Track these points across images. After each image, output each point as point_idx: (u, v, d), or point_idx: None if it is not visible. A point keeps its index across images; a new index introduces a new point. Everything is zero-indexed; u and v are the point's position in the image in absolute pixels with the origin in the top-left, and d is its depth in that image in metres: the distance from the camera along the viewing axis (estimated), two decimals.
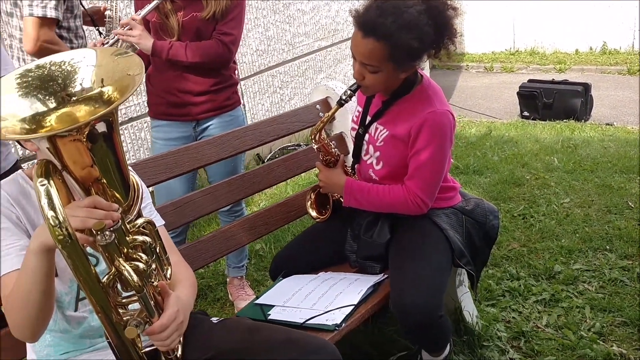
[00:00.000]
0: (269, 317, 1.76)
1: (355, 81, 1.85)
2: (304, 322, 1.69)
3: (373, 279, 1.91)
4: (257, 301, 1.88)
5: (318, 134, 1.99)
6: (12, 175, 1.41)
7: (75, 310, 1.39)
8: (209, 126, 2.46)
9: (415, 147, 1.82)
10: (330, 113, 1.95)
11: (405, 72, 1.81)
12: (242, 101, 2.64)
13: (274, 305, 1.83)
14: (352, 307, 1.76)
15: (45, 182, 1.01)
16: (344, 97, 1.88)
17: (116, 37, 2.31)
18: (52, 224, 0.99)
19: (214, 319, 1.57)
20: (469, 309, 2.26)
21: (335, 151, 2.06)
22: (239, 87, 2.57)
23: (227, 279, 2.78)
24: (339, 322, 1.69)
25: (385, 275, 1.94)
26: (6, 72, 1.90)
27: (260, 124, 2.26)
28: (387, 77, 1.79)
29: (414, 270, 1.80)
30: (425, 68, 4.83)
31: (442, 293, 1.84)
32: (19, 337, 1.27)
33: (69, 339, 1.40)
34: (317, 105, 2.41)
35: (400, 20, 1.67)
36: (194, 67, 2.32)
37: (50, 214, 0.99)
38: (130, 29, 2.28)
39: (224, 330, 1.49)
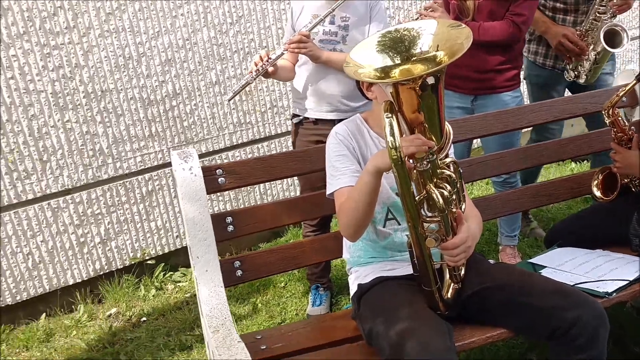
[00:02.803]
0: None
1: None
2: (574, 285, 1.81)
3: None
4: (531, 260, 2.05)
5: (612, 108, 2.02)
6: (353, 116, 1.83)
7: (384, 226, 1.76)
8: (485, 103, 2.60)
9: None
10: (628, 87, 1.97)
11: None
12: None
13: (546, 267, 1.97)
14: (627, 282, 1.80)
15: (390, 115, 1.36)
16: None
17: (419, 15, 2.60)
18: (391, 146, 1.34)
19: (491, 261, 1.80)
20: None
21: (630, 129, 2.07)
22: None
23: (500, 247, 2.97)
24: (610, 290, 1.76)
25: None
26: (378, 27, 2.39)
27: (556, 102, 2.36)
28: None
29: None
30: None
31: None
32: (344, 235, 1.69)
33: (375, 247, 1.79)
34: (620, 90, 2.40)
35: None
36: (484, 46, 2.49)
37: (390, 139, 1.34)
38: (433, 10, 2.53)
39: (501, 269, 1.72)
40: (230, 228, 1.90)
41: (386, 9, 3.41)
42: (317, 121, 2.54)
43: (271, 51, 2.43)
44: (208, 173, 1.86)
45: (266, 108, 3.37)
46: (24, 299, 2.92)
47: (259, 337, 1.85)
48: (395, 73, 1.45)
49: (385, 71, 1.46)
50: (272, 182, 3.43)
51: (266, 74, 2.41)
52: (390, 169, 1.49)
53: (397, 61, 1.47)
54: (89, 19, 2.80)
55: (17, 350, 2.72)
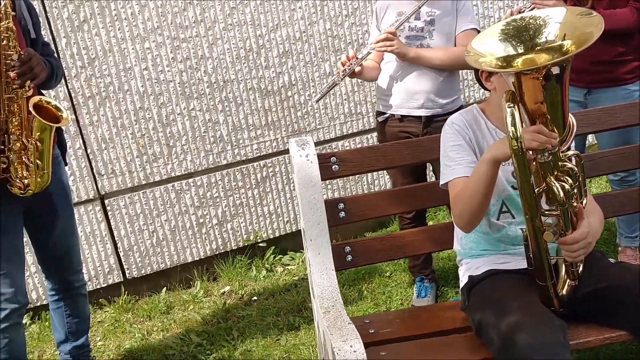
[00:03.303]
0: None
1: None
2: None
3: None
4: None
5: None
6: (469, 107, 1.82)
7: (497, 219, 1.74)
8: (600, 97, 2.46)
9: None
10: None
11: None
12: None
13: None
14: None
15: (512, 105, 1.35)
16: None
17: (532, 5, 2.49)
18: (512, 136, 1.33)
19: (612, 260, 1.73)
20: None
21: None
22: None
23: (619, 248, 2.81)
24: None
25: None
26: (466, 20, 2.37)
27: None
28: None
29: None
30: None
31: None
32: (458, 226, 1.69)
33: (488, 240, 1.77)
34: None
35: None
36: (602, 35, 2.33)
37: (511, 129, 1.33)
38: None
39: (621, 268, 1.65)
40: (342, 214, 1.96)
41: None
42: (403, 118, 2.54)
43: (358, 51, 2.46)
44: (323, 160, 1.93)
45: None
46: (148, 273, 3.17)
47: (367, 321, 1.90)
48: (518, 62, 1.43)
49: (507, 60, 1.44)
50: (379, 173, 3.47)
51: (352, 74, 2.45)
52: (507, 159, 1.48)
53: (520, 50, 1.45)
54: (215, 13, 2.97)
55: (141, 319, 2.96)
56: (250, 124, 3.17)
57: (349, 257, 1.96)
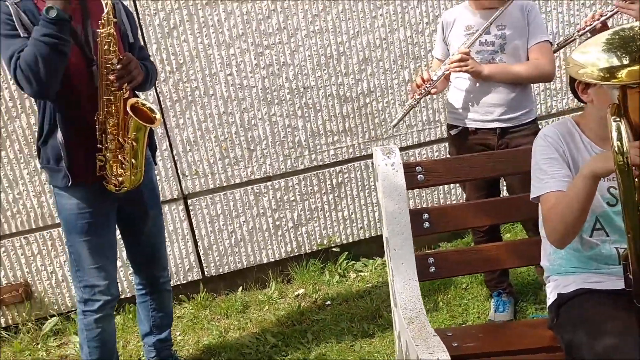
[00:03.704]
0: None
1: None
2: None
3: None
4: None
5: None
6: (563, 119, 1.77)
7: (590, 236, 1.68)
8: None
9: None
10: None
11: None
12: None
13: None
14: None
15: (618, 119, 1.30)
16: None
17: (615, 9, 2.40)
18: (617, 151, 1.29)
19: None
20: None
21: None
22: None
23: None
24: None
25: None
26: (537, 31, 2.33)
27: None
28: None
29: None
30: None
31: None
32: (550, 241, 1.65)
33: (579, 257, 1.72)
34: None
35: None
36: None
37: (617, 143, 1.29)
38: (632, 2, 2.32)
39: None
40: (427, 224, 1.95)
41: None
42: (477, 130, 2.49)
43: (429, 68, 2.44)
44: (408, 169, 1.92)
45: None
46: (225, 272, 3.26)
47: (450, 334, 1.87)
48: (623, 74, 1.38)
49: (610, 72, 1.39)
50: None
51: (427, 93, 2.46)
52: (608, 174, 1.44)
53: (626, 61, 1.39)
54: (297, 21, 3.02)
55: (219, 317, 3.05)
56: (328, 129, 3.20)
57: (432, 269, 1.94)
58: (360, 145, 3.26)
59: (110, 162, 2.08)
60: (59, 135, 2.03)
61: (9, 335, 3.03)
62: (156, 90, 2.94)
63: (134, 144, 2.07)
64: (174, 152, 3.04)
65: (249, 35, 2.99)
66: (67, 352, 2.89)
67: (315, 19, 3.05)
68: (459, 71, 2.38)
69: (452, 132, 2.57)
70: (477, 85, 2.45)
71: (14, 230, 2.97)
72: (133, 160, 2.09)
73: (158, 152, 2.99)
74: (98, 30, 1.97)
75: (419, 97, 2.46)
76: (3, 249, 2.98)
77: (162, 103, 2.97)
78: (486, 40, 2.40)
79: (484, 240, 2.62)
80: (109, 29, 1.97)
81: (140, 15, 2.85)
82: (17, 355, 2.91)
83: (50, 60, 1.87)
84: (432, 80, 2.42)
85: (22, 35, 1.92)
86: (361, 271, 3.31)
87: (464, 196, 2.79)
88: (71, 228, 2.14)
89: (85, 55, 2.03)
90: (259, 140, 3.12)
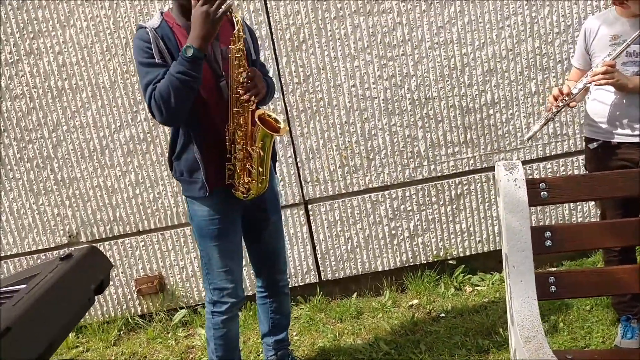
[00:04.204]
0: None
1: None
2: None
3: None
4: None
5: None
6: None
7: None
8: None
9: None
10: None
11: None
12: None
13: None
14: None
15: None
16: None
17: None
18: None
19: None
20: None
21: None
22: None
23: None
24: None
25: None
26: None
27: None
28: None
29: None
30: None
31: None
32: None
33: None
34: None
35: None
36: None
37: None
38: None
39: None
40: (549, 243, 1.90)
41: None
42: (619, 145, 2.35)
43: (571, 82, 2.33)
44: (532, 186, 1.88)
45: None
46: (341, 277, 3.35)
47: (570, 356, 1.81)
48: None
49: None
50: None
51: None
52: None
53: None
54: (422, 32, 3.05)
55: (333, 320, 3.14)
56: (448, 140, 3.19)
57: (553, 288, 1.88)
58: (481, 157, 3.21)
59: (239, 170, 2.21)
60: (194, 148, 2.17)
61: (143, 322, 3.34)
62: (284, 101, 3.11)
63: (261, 152, 2.19)
64: (298, 160, 3.18)
65: (373, 48, 3.06)
66: (194, 343, 3.12)
67: (440, 30, 3.06)
68: (604, 84, 2.27)
69: (591, 146, 2.47)
70: (622, 98, 2.33)
71: (152, 227, 3.27)
72: (260, 169, 2.21)
73: (283, 159, 3.16)
74: (230, 46, 2.11)
75: (556, 110, 2.38)
76: (142, 243, 3.29)
77: (288, 112, 3.13)
78: (634, 51, 2.29)
79: (617, 261, 2.48)
80: (239, 45, 2.11)
81: (272, 30, 3.02)
82: (150, 342, 3.19)
83: (182, 94, 2.03)
84: (571, 94, 2.34)
85: (157, 61, 2.08)
86: (477, 285, 3.26)
87: (592, 212, 2.66)
88: (203, 233, 2.28)
89: (215, 72, 2.17)
90: (378, 149, 3.18)
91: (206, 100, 2.17)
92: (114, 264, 3.29)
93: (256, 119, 2.16)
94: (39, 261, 3.30)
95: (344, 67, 3.08)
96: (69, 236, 3.28)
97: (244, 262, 2.45)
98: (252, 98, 2.15)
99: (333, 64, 3.08)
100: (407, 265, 3.34)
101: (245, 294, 3.22)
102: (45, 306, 1.06)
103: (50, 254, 3.31)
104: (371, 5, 3.01)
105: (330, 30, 3.04)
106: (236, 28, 2.11)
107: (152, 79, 2.08)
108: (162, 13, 2.18)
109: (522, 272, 1.85)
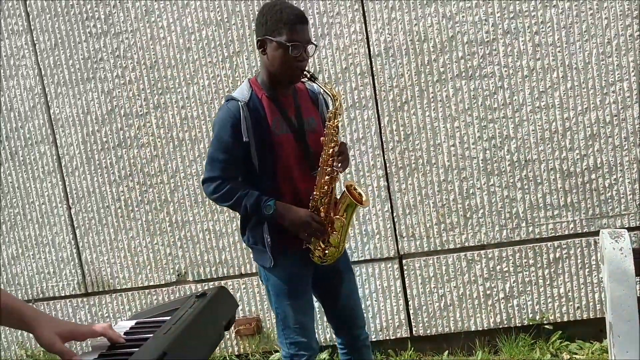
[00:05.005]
0: None
1: None
2: None
3: None
4: None
5: None
6: None
7: None
8: None
9: None
10: None
11: None
12: None
13: None
14: None
15: None
16: None
17: None
18: None
19: None
20: None
21: None
22: None
23: None
24: None
25: None
26: None
27: None
28: None
29: None
30: None
31: None
32: None
33: None
34: None
35: None
36: None
37: None
38: None
39: None
40: None
41: None
42: None
43: None
44: (638, 255, 1.88)
45: None
46: (432, 334, 3.36)
47: None
48: None
49: None
50: None
51: None
52: None
53: None
54: (523, 97, 3.11)
55: None
56: (547, 203, 3.18)
57: None
58: (582, 222, 3.17)
59: (317, 240, 2.30)
60: (265, 226, 2.29)
61: None
62: (384, 157, 3.24)
63: (344, 220, 2.30)
64: (394, 214, 3.28)
65: (474, 110, 3.15)
66: None
67: (542, 95, 3.10)
68: None
69: None
70: None
71: (254, 271, 3.45)
72: (339, 236, 2.31)
73: (380, 213, 3.27)
74: (327, 123, 2.23)
75: None
76: (244, 285, 3.48)
77: (387, 169, 3.26)
78: None
79: None
80: (336, 122, 2.23)
81: (377, 91, 3.20)
82: None
83: (237, 211, 2.29)
84: None
85: (244, 139, 2.17)
86: (576, 354, 3.16)
87: None
88: (278, 292, 2.36)
89: (298, 142, 2.28)
90: (475, 208, 3.22)
91: (292, 170, 2.28)
92: None
93: (345, 189, 2.28)
94: (149, 296, 3.57)
95: (444, 127, 3.19)
96: (178, 275, 3.53)
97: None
98: (339, 170, 2.25)
99: (433, 124, 3.19)
100: (501, 326, 3.30)
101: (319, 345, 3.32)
102: (189, 337, 1.21)
103: (159, 290, 3.57)
104: (473, 69, 3.12)
105: (432, 93, 3.17)
106: (335, 105, 2.22)
107: (224, 159, 2.20)
108: (249, 81, 2.30)
109: (627, 343, 1.84)
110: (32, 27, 3.45)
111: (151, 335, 1.23)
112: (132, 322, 1.38)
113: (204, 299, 1.38)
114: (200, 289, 3.48)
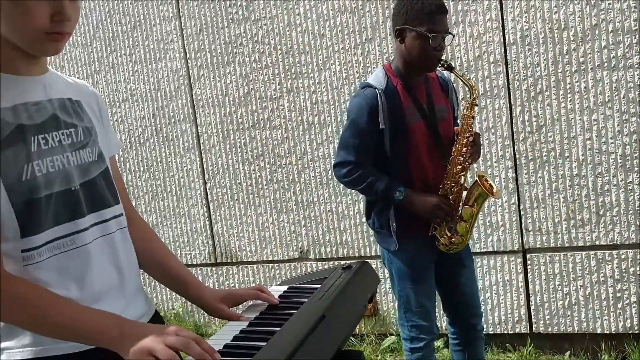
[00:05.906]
0: None
1: None
2: None
3: None
4: None
5: None
6: None
7: None
8: None
9: None
10: None
11: None
12: None
13: None
14: None
15: None
16: None
17: None
18: None
19: None
20: None
21: None
22: None
23: None
24: None
25: None
26: None
27: None
28: None
29: None
30: None
31: None
32: None
33: None
34: None
35: None
36: None
37: None
38: None
39: None
40: None
41: None
42: None
43: None
44: None
45: None
46: (554, 332, 3.26)
47: None
48: None
49: None
50: None
51: None
52: None
53: None
54: None
55: None
56: None
57: None
58: None
59: (446, 226, 2.32)
60: (392, 211, 2.33)
61: (355, 341, 3.59)
62: (513, 148, 3.18)
63: (474, 210, 2.30)
64: (521, 207, 3.21)
65: (615, 102, 3.00)
66: None
67: None
68: None
69: None
70: None
71: (373, 254, 3.53)
72: (467, 225, 2.31)
73: (506, 205, 3.21)
74: (464, 112, 2.25)
75: None
76: None
77: (517, 160, 3.19)
78: None
79: None
80: (472, 112, 2.24)
81: (510, 80, 3.13)
82: None
83: (368, 195, 2.35)
84: None
85: (381, 126, 2.21)
86: None
87: None
88: (402, 275, 2.39)
89: (430, 130, 2.29)
90: (610, 206, 3.07)
91: (423, 159, 2.30)
92: None
93: (477, 179, 2.28)
94: (272, 270, 3.77)
95: (580, 119, 3.06)
96: (300, 252, 3.69)
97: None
98: (472, 159, 2.27)
99: (569, 115, 3.08)
100: (630, 332, 3.14)
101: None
102: (340, 304, 1.30)
103: (282, 265, 3.75)
104: (617, 60, 2.97)
105: (569, 83, 3.05)
106: (472, 96, 2.23)
107: (358, 145, 2.25)
108: (384, 68, 2.32)
109: None
110: (181, 14, 3.73)
111: (305, 300, 1.34)
112: (284, 287, 1.49)
113: (350, 271, 1.47)
114: (320, 267, 3.63)
